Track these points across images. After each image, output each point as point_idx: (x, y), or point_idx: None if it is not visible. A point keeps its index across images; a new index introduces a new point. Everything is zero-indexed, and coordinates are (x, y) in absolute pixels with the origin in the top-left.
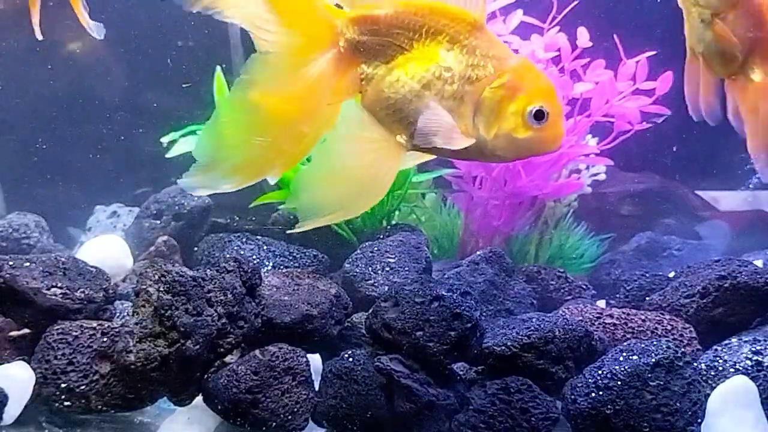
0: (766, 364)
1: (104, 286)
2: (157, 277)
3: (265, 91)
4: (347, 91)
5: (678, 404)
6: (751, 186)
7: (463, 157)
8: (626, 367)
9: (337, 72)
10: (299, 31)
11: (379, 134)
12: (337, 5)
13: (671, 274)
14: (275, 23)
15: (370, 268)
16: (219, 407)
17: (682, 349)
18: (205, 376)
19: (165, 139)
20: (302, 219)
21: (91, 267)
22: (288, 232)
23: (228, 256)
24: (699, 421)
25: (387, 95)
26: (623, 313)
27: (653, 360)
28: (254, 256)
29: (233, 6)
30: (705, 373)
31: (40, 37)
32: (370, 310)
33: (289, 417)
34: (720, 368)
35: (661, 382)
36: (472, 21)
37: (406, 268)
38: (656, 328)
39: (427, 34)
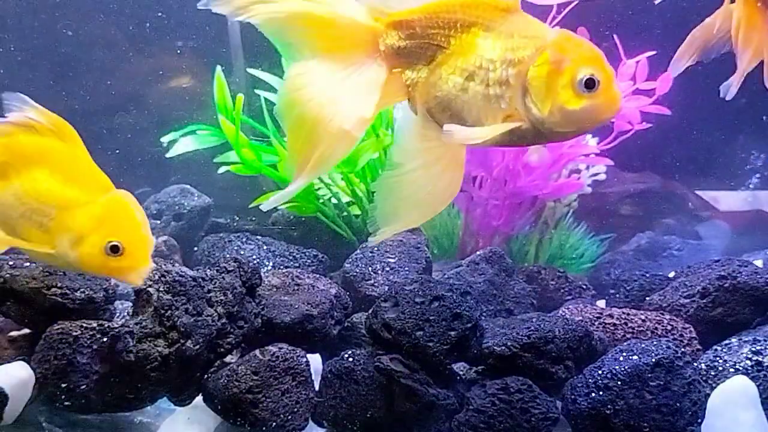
0: (766, 364)
1: (104, 286)
2: (157, 277)
3: (306, 97)
4: (393, 97)
5: (678, 404)
6: (751, 186)
7: (522, 144)
8: (626, 367)
9: (379, 78)
10: (340, 41)
11: (436, 133)
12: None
13: (671, 274)
14: (316, 32)
15: (370, 268)
16: (219, 407)
17: (682, 349)
18: (205, 376)
19: (165, 139)
20: (381, 226)
21: None
22: (371, 239)
23: (228, 256)
24: (699, 421)
25: (434, 95)
26: (623, 313)
27: (653, 360)
28: (254, 256)
29: (271, 18)
30: (705, 373)
31: None
32: (370, 310)
33: (289, 417)
34: (720, 368)
35: (661, 382)
36: (505, 6)
37: (406, 268)
38: (656, 328)
39: (462, 28)
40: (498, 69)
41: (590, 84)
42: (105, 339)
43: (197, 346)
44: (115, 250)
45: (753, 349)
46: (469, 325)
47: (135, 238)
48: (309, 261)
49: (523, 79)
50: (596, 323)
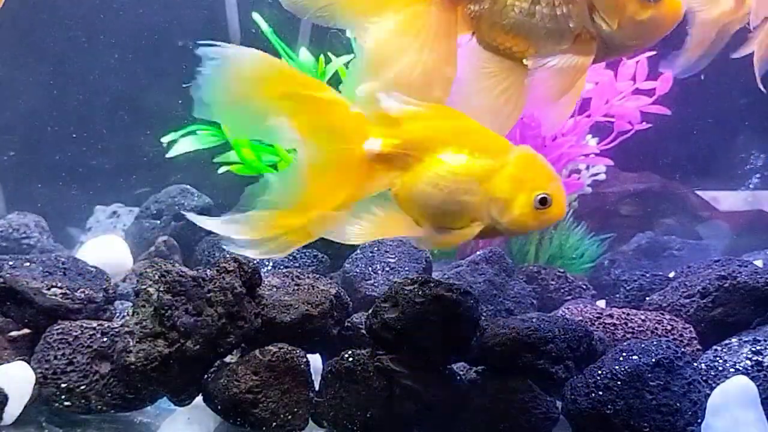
0: (766, 364)
1: (104, 286)
2: (157, 277)
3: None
4: (459, 32)
5: (678, 404)
6: (751, 186)
7: (598, 59)
8: (626, 367)
9: (449, 29)
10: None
11: (499, 66)
12: None
13: (671, 274)
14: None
15: (370, 268)
16: (219, 407)
17: (682, 349)
18: (205, 376)
19: (165, 139)
20: None
21: (91, 267)
22: None
23: (228, 256)
24: (699, 421)
25: (501, 24)
26: (623, 313)
27: (653, 360)
28: None
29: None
30: (705, 373)
31: None
32: (370, 310)
33: (289, 417)
34: (720, 368)
35: (661, 382)
36: None
37: (406, 268)
38: (656, 328)
39: None
40: None
41: None
42: (105, 339)
43: (197, 346)
44: (544, 202)
45: (753, 349)
46: (469, 325)
47: (555, 185)
48: (309, 261)
49: None
50: (596, 323)
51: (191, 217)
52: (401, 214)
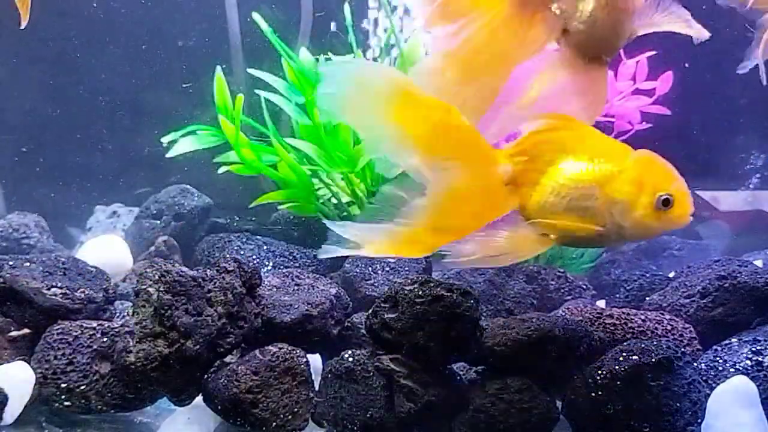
0: (766, 364)
1: (104, 286)
2: (157, 277)
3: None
4: (548, 38)
5: (678, 404)
6: (751, 186)
7: None
8: (626, 367)
9: (527, 22)
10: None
11: (582, 67)
12: None
13: (671, 274)
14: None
15: (370, 268)
16: (219, 407)
17: (682, 349)
18: (205, 376)
19: (165, 139)
20: None
21: (91, 267)
22: None
23: (228, 256)
24: (699, 421)
25: (612, 20)
26: (623, 313)
27: (653, 360)
28: (254, 256)
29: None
30: (705, 373)
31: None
32: (370, 310)
33: (289, 417)
34: (720, 368)
35: (661, 382)
36: None
37: (406, 268)
38: (656, 328)
39: None
40: None
41: None
42: (105, 339)
43: (197, 346)
44: (666, 203)
45: (753, 349)
46: (469, 325)
47: (678, 185)
48: (309, 261)
49: None
50: (596, 323)
51: (330, 224)
52: (532, 230)
